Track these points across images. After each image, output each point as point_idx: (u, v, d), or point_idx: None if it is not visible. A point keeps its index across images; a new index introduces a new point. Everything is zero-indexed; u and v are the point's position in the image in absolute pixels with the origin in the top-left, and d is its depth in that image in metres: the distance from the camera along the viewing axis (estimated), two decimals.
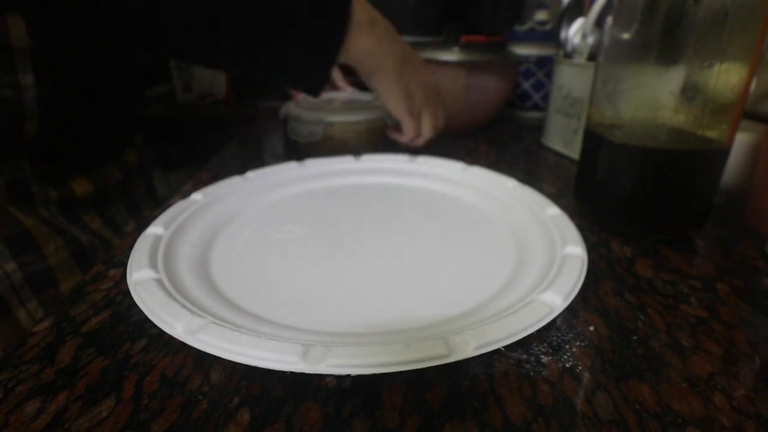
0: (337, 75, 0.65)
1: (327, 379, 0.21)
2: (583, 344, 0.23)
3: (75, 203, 0.43)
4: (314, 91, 0.41)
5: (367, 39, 0.40)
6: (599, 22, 0.48)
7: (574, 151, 0.53)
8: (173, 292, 0.23)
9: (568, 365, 0.22)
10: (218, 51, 0.38)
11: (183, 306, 0.22)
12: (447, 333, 0.20)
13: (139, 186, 0.54)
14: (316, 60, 0.39)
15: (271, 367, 0.19)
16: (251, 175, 0.41)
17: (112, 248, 0.44)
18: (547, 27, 0.74)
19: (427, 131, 0.49)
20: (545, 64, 0.73)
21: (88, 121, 0.43)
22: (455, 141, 0.62)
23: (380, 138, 0.54)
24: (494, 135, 0.66)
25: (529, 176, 0.48)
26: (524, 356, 0.22)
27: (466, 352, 0.19)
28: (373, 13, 0.41)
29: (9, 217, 0.37)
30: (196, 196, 0.35)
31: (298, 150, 0.56)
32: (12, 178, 0.37)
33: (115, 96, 0.47)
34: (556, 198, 0.37)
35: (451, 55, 0.58)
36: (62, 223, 0.41)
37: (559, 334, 0.24)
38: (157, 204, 0.54)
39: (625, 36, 0.32)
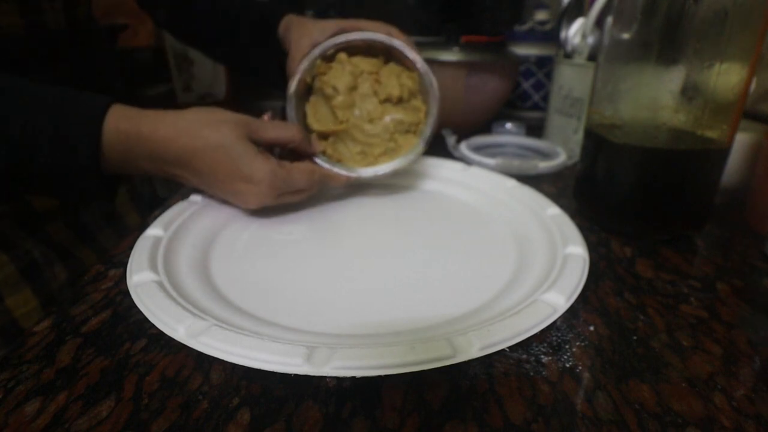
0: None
1: (327, 380, 0.21)
2: (583, 344, 0.23)
3: (35, 216, 0.40)
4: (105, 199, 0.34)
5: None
6: (599, 22, 0.48)
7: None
8: (174, 294, 0.23)
9: (568, 365, 0.22)
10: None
11: (184, 308, 0.22)
12: (451, 334, 0.20)
13: (121, 194, 0.50)
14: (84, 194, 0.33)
15: (275, 370, 0.19)
16: None
17: (75, 259, 0.42)
18: (547, 27, 0.74)
19: (301, 181, 0.35)
20: (545, 64, 0.73)
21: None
22: None
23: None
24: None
25: (528, 176, 0.48)
26: (524, 356, 0.22)
27: (470, 353, 0.19)
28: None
29: None
30: (195, 198, 0.35)
31: None
32: None
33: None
34: (556, 198, 0.37)
35: (451, 55, 0.58)
36: (15, 236, 0.39)
37: (560, 334, 0.24)
38: (144, 208, 0.53)
39: (625, 36, 0.32)
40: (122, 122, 0.30)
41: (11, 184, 0.31)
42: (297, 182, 0.35)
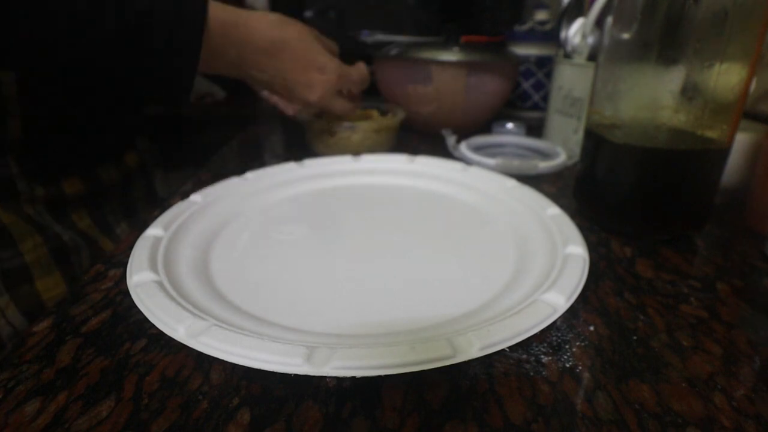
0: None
1: (327, 380, 0.21)
2: (583, 344, 0.23)
3: (64, 202, 0.42)
4: (178, 100, 0.39)
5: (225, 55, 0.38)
6: (599, 22, 0.48)
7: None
8: (174, 294, 0.23)
9: (568, 365, 0.22)
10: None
11: (184, 308, 0.22)
12: (451, 334, 0.20)
13: (139, 188, 0.53)
14: (178, 72, 0.37)
15: (275, 370, 0.19)
16: (250, 175, 0.41)
17: (98, 248, 0.44)
18: (547, 27, 0.74)
19: (356, 76, 0.46)
20: (545, 64, 0.73)
21: (78, 123, 0.42)
22: None
23: (390, 139, 0.55)
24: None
25: (528, 176, 0.48)
26: (524, 356, 0.22)
27: (470, 353, 0.19)
28: (233, 17, 0.37)
29: None
30: (196, 198, 0.35)
31: (297, 150, 0.56)
32: None
33: (108, 100, 0.46)
34: (556, 198, 0.37)
35: (451, 55, 0.58)
36: (46, 220, 0.40)
37: (560, 334, 0.24)
38: (156, 206, 0.54)
39: (625, 36, 0.32)
40: (222, 11, 0.36)
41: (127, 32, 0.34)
42: (353, 76, 0.46)
